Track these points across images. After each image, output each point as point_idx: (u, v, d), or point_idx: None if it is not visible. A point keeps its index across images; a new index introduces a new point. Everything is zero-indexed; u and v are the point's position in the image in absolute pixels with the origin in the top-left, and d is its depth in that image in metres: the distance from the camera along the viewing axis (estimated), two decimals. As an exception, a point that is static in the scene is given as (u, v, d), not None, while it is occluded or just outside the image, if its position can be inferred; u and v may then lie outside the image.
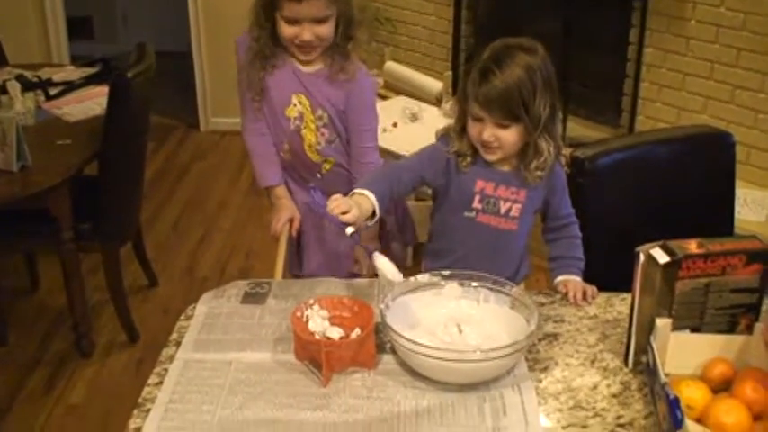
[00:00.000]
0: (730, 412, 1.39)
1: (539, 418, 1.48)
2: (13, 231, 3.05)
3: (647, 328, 1.56)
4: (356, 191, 1.81)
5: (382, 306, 1.64)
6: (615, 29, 4.03)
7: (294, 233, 2.37)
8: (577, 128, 4.17)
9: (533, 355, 1.66)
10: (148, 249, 3.66)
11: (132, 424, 1.46)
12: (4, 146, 2.78)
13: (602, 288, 1.90)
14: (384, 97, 4.62)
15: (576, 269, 1.97)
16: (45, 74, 3.66)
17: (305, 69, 2.22)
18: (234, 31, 2.32)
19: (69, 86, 3.55)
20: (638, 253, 1.57)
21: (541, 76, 1.80)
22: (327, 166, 2.31)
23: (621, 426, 1.47)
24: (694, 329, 1.60)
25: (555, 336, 1.74)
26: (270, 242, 2.42)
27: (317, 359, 1.57)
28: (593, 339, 1.73)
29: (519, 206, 1.93)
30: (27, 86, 3.39)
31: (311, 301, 1.69)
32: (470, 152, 1.91)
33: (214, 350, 1.67)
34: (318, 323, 1.65)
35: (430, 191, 2.07)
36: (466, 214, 1.95)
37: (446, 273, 1.77)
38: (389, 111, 4.01)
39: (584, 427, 1.47)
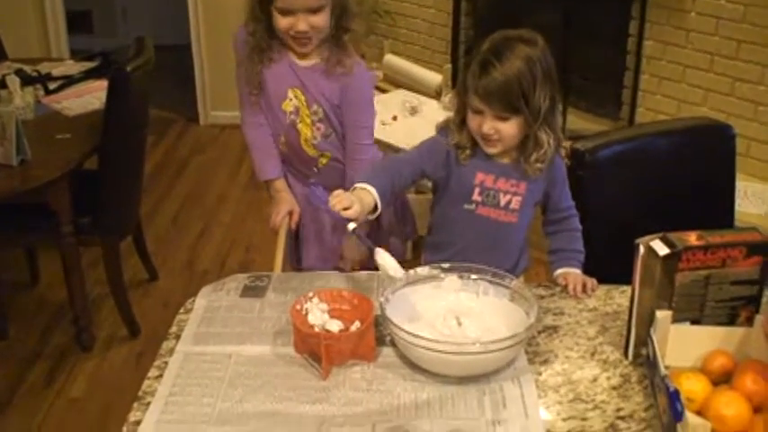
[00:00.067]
0: (730, 404, 1.39)
1: (538, 410, 1.48)
2: (12, 225, 3.05)
3: (647, 321, 1.56)
4: (357, 185, 1.81)
5: (382, 299, 1.64)
6: (615, 21, 4.03)
7: (293, 226, 2.37)
8: (577, 120, 4.17)
9: (533, 347, 1.66)
10: (148, 243, 3.66)
11: (132, 417, 1.46)
12: (3, 140, 2.78)
13: (601, 280, 1.90)
14: (383, 90, 4.61)
15: (576, 262, 1.97)
16: (44, 68, 3.65)
17: (301, 63, 2.21)
18: (233, 25, 2.31)
19: (68, 81, 3.55)
20: (638, 245, 1.57)
21: (541, 68, 1.80)
22: (324, 161, 2.31)
23: (621, 418, 1.47)
24: (694, 322, 1.59)
25: (555, 328, 1.74)
26: (270, 236, 2.41)
27: (317, 352, 1.57)
28: (593, 332, 1.73)
29: (519, 198, 1.93)
30: (26, 81, 3.39)
31: (311, 294, 1.69)
32: (470, 144, 1.91)
33: (214, 343, 1.67)
34: (318, 316, 1.65)
35: (430, 184, 2.07)
36: (466, 207, 1.94)
37: (446, 265, 1.76)
38: (389, 104, 4.01)
39: (584, 419, 1.47)
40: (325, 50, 2.19)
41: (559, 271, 1.95)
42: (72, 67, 3.74)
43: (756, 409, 1.40)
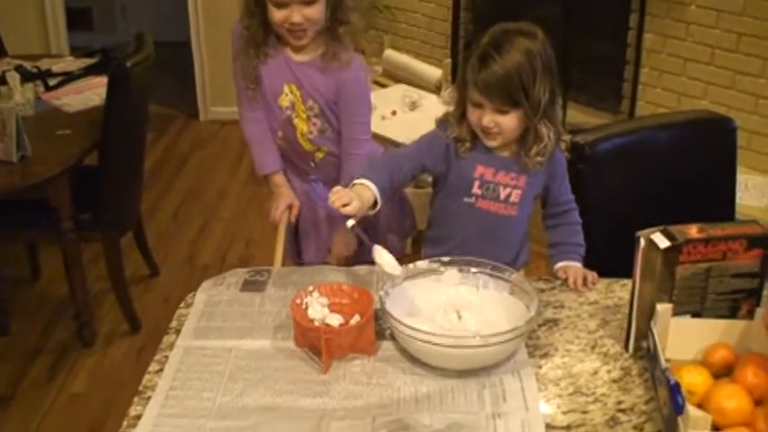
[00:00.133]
0: (731, 397, 1.39)
1: (539, 404, 1.48)
2: (13, 222, 3.05)
3: (648, 314, 1.56)
4: (356, 181, 1.81)
5: (381, 293, 1.63)
6: (615, 14, 4.02)
7: (293, 220, 2.37)
8: (578, 114, 4.16)
9: (533, 341, 1.66)
10: (149, 239, 3.66)
11: (133, 411, 1.46)
12: (3, 136, 2.78)
13: (602, 274, 1.90)
14: (383, 85, 4.61)
15: (577, 255, 1.96)
16: (44, 64, 3.65)
17: (297, 58, 2.21)
18: (232, 21, 2.31)
19: (68, 77, 3.54)
20: (639, 238, 1.56)
21: (541, 61, 1.79)
22: (320, 155, 2.31)
23: (622, 411, 1.47)
24: (695, 315, 1.59)
25: (555, 322, 1.74)
26: (270, 231, 2.42)
27: (317, 346, 1.57)
28: (594, 325, 1.73)
29: (519, 192, 1.93)
30: (26, 77, 3.39)
31: (311, 289, 1.69)
32: (470, 138, 1.91)
33: (214, 337, 1.67)
34: (318, 310, 1.65)
35: (430, 178, 2.07)
36: (465, 200, 1.94)
37: (445, 259, 1.76)
38: (388, 99, 4.01)
39: (585, 412, 1.46)
40: (321, 45, 2.18)
41: (560, 264, 1.95)
42: (72, 64, 3.74)
43: (757, 402, 1.40)
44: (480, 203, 1.94)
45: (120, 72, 2.92)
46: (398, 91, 4.21)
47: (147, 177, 3.77)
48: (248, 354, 1.61)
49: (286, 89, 2.23)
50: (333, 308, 1.67)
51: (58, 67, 3.66)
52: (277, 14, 2.11)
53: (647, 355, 1.58)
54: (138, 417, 1.45)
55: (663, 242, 1.53)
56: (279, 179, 2.37)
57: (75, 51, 4.36)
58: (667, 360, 1.43)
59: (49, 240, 3.13)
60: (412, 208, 2.42)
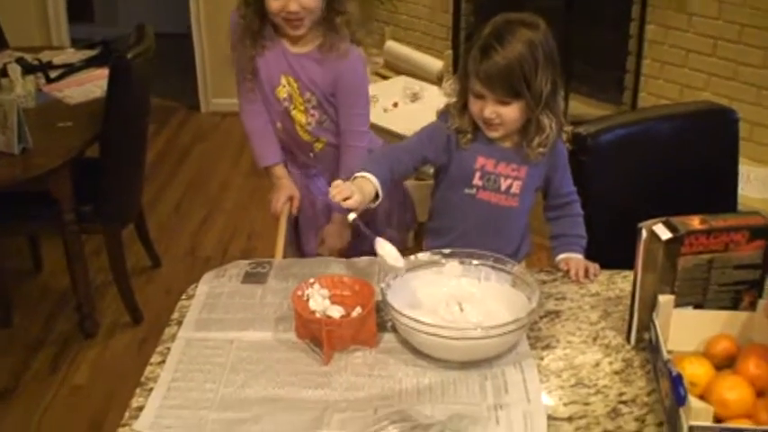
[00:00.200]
0: (733, 389, 1.38)
1: (540, 395, 1.48)
2: (15, 214, 3.05)
3: (650, 305, 1.56)
4: (357, 174, 1.81)
5: (383, 285, 1.63)
6: (617, 5, 4.01)
7: (294, 212, 2.37)
8: (580, 106, 4.16)
9: (535, 332, 1.66)
10: (151, 231, 3.66)
11: (135, 403, 1.47)
12: (5, 128, 2.77)
13: (604, 265, 1.90)
14: (384, 77, 4.60)
15: (578, 247, 1.96)
16: (45, 57, 3.64)
17: (294, 50, 2.20)
18: (233, 13, 2.31)
19: (70, 69, 3.54)
20: (641, 229, 1.56)
21: (543, 52, 1.79)
22: (319, 146, 2.30)
23: (624, 403, 1.47)
24: (697, 306, 1.59)
25: (557, 313, 1.74)
26: (271, 223, 2.42)
27: (319, 338, 1.57)
28: (596, 317, 1.73)
29: (520, 183, 1.93)
30: (27, 69, 3.38)
31: (312, 281, 1.69)
32: (471, 129, 1.90)
33: (216, 329, 1.67)
34: (319, 302, 1.65)
35: (431, 170, 2.06)
36: (466, 191, 1.94)
37: (447, 251, 1.76)
38: (390, 90, 4.00)
39: (587, 404, 1.46)
40: (318, 36, 2.18)
41: (561, 256, 1.95)
42: (73, 56, 3.73)
43: (759, 394, 1.39)
44: (481, 195, 1.94)
45: (121, 64, 2.92)
46: (400, 83, 4.20)
47: (149, 169, 3.77)
48: (250, 345, 1.61)
49: (283, 81, 2.22)
50: (334, 300, 1.67)
51: (59, 59, 3.66)
52: (274, 3, 2.10)
53: (648, 346, 1.57)
54: (141, 408, 1.45)
55: (665, 233, 1.53)
56: (279, 171, 2.37)
57: (77, 43, 4.35)
58: (669, 351, 1.43)
59: (51, 232, 3.13)
60: (412, 201, 2.41)
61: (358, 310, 1.62)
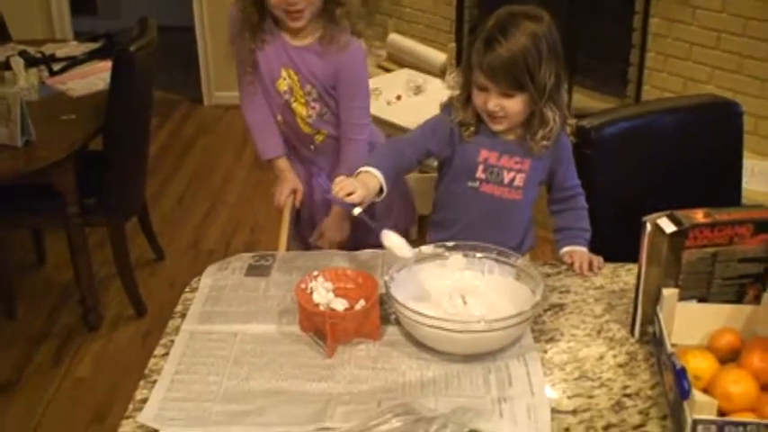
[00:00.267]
0: (737, 382, 1.38)
1: (544, 388, 1.48)
2: (18, 207, 3.05)
3: (654, 299, 1.56)
4: (361, 169, 1.81)
5: (386, 278, 1.63)
6: (621, -2, 4.00)
7: (297, 204, 2.37)
8: (583, 99, 4.15)
9: (539, 326, 1.66)
10: (154, 223, 3.67)
11: (139, 395, 1.47)
12: (8, 121, 2.77)
13: (608, 259, 1.89)
14: (388, 70, 4.60)
15: (582, 240, 1.96)
16: (48, 49, 3.64)
17: (294, 43, 2.20)
18: (236, 6, 2.30)
19: (73, 62, 3.54)
20: (645, 223, 1.56)
21: (547, 45, 1.78)
22: (320, 138, 2.30)
23: (628, 396, 1.47)
24: (701, 299, 1.59)
25: (561, 306, 1.73)
26: (275, 216, 2.42)
27: (322, 330, 1.57)
28: (600, 310, 1.73)
29: (523, 176, 1.92)
30: (30, 62, 3.38)
31: (315, 273, 1.69)
32: (474, 121, 1.90)
33: (219, 322, 1.67)
34: (323, 295, 1.65)
35: (435, 163, 2.06)
36: (469, 184, 1.94)
37: (450, 244, 1.76)
38: (393, 83, 3.99)
39: (591, 397, 1.46)
40: (318, 28, 2.17)
41: (565, 249, 1.95)
42: (76, 49, 3.74)
43: (764, 387, 1.39)
44: (484, 188, 1.94)
45: (124, 57, 2.91)
46: (403, 75, 4.20)
47: (152, 162, 3.77)
48: (253, 338, 1.61)
49: (284, 74, 2.22)
50: (338, 292, 1.67)
51: (61, 51, 3.66)
52: None
53: (652, 340, 1.57)
54: (144, 400, 1.45)
55: (669, 227, 1.52)
56: (282, 164, 2.37)
57: (79, 36, 4.35)
58: (673, 345, 1.43)
59: (55, 225, 3.13)
60: (412, 195, 2.40)
61: (361, 302, 1.62)
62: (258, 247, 3.67)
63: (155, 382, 1.50)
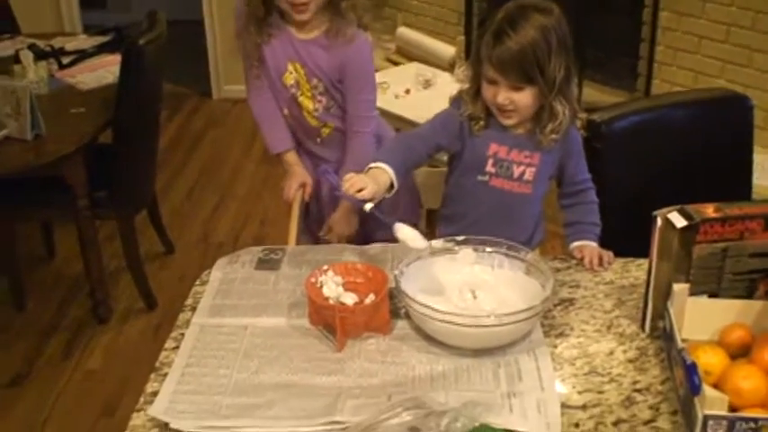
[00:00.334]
0: (748, 378, 1.38)
1: (554, 383, 1.48)
2: (28, 200, 3.07)
3: (664, 294, 1.55)
4: (371, 165, 1.81)
5: (396, 272, 1.63)
6: (630, -9, 3.99)
7: (307, 198, 2.37)
8: (593, 93, 4.14)
9: (549, 320, 1.66)
10: (164, 217, 3.67)
11: (149, 388, 1.47)
12: (17, 114, 2.78)
13: (618, 253, 1.89)
14: (396, 63, 4.59)
15: (593, 235, 1.95)
16: (57, 43, 3.65)
17: (300, 36, 2.19)
18: None
19: (82, 55, 3.55)
20: (656, 217, 1.55)
21: (556, 37, 1.78)
22: (327, 131, 2.30)
23: (638, 391, 1.47)
24: (712, 295, 1.58)
25: (571, 301, 1.73)
26: (284, 209, 2.42)
27: (332, 324, 1.57)
28: (610, 305, 1.72)
29: (533, 170, 1.92)
30: (40, 55, 3.39)
31: (325, 267, 1.69)
32: (484, 115, 1.90)
33: (229, 315, 1.67)
34: (332, 289, 1.65)
35: (445, 157, 2.06)
36: (479, 178, 1.94)
37: (460, 238, 1.76)
38: (402, 77, 3.98)
39: (600, 392, 1.46)
40: (324, 22, 2.17)
41: (575, 244, 1.94)
42: (85, 42, 3.74)
43: (774, 382, 1.39)
44: (494, 182, 1.94)
45: (133, 50, 2.92)
46: (412, 69, 4.19)
47: (162, 156, 3.77)
48: (264, 331, 1.62)
49: (290, 67, 2.22)
50: (347, 286, 1.67)
51: (71, 45, 3.66)
52: None
53: (663, 335, 1.57)
54: (155, 393, 1.45)
55: (680, 221, 1.52)
56: (291, 158, 2.37)
57: (89, 30, 4.36)
58: (683, 340, 1.43)
59: (65, 218, 3.14)
60: (419, 197, 2.39)
61: (371, 297, 1.62)
62: (267, 240, 3.67)
63: (165, 375, 1.50)
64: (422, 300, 1.55)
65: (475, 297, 1.66)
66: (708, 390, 1.30)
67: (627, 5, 4.03)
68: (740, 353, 1.48)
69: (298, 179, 2.36)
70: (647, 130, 2.24)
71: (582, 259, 1.87)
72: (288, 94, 2.25)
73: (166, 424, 1.38)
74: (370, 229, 2.26)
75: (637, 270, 1.83)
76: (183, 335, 1.62)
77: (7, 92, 2.78)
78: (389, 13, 5.12)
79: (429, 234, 2.02)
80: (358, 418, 1.35)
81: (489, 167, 1.92)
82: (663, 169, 2.23)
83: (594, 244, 1.93)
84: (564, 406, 1.42)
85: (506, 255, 1.73)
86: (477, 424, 1.31)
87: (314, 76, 2.20)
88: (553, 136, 1.88)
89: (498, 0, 1.93)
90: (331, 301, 1.62)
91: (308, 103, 2.25)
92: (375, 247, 1.91)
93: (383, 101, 3.51)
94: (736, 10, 3.55)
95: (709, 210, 1.53)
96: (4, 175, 2.81)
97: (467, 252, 1.75)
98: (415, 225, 1.74)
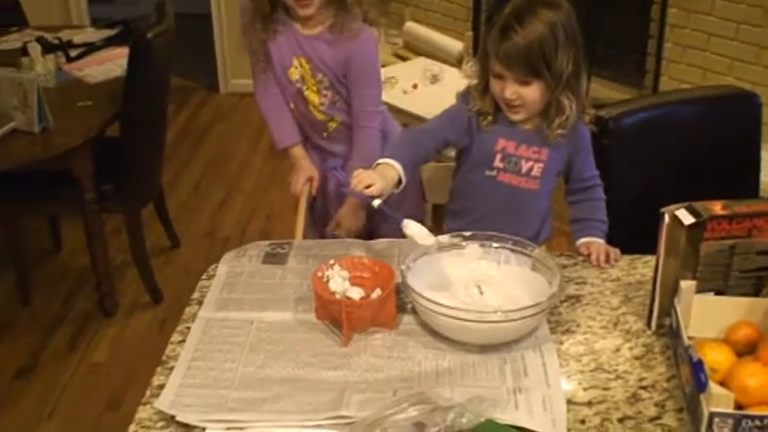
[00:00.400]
0: (754, 375, 1.38)
1: (560, 380, 1.47)
2: (35, 193, 3.07)
3: (671, 291, 1.55)
4: (380, 161, 1.81)
5: (403, 267, 1.63)
6: (639, -12, 3.98)
7: (314, 193, 2.37)
8: (601, 89, 4.13)
9: (555, 317, 1.66)
10: (170, 210, 3.68)
11: (156, 381, 1.48)
12: (25, 107, 2.79)
13: (624, 250, 1.88)
14: (404, 58, 4.58)
15: (600, 231, 1.95)
16: (65, 36, 3.65)
17: (305, 32, 2.19)
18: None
19: (90, 48, 3.55)
20: (663, 214, 1.55)
21: (564, 32, 1.77)
22: (333, 125, 2.31)
23: (644, 388, 1.46)
24: (719, 292, 1.58)
25: (577, 298, 1.73)
26: (290, 204, 2.42)
27: (338, 319, 1.58)
28: (616, 302, 1.72)
29: (541, 165, 1.92)
30: (47, 48, 3.40)
31: (332, 262, 1.69)
32: (492, 110, 1.89)
33: (236, 309, 1.67)
34: (339, 283, 1.65)
35: (453, 152, 2.06)
36: (487, 173, 1.93)
37: (467, 234, 1.75)
38: (409, 72, 3.98)
39: (606, 389, 1.46)
40: (329, 16, 2.17)
41: (582, 240, 1.94)
42: (93, 35, 3.74)
43: (781, 380, 1.39)
44: (502, 177, 1.93)
45: (141, 43, 2.92)
46: (419, 64, 4.18)
47: (169, 149, 3.78)
48: (270, 326, 1.62)
49: (295, 62, 2.22)
50: (354, 281, 1.67)
51: (79, 38, 3.67)
52: None
53: (669, 332, 1.57)
54: (161, 386, 1.46)
55: (687, 218, 1.51)
56: (298, 152, 2.37)
57: (97, 23, 4.36)
58: (690, 337, 1.42)
59: (72, 212, 3.14)
60: (423, 194, 2.39)
61: (378, 291, 1.62)
62: (273, 235, 3.68)
63: (171, 368, 1.50)
64: (428, 295, 1.55)
65: (481, 293, 1.66)
66: (714, 387, 1.30)
67: (636, 2, 4.02)
68: (747, 350, 1.48)
69: (305, 173, 2.36)
70: (655, 126, 2.24)
71: (589, 256, 1.87)
72: (293, 88, 2.25)
73: (172, 417, 1.38)
74: (375, 222, 2.27)
75: (643, 267, 1.83)
76: (189, 328, 1.62)
77: (15, 84, 2.79)
78: (397, 8, 5.11)
79: (435, 229, 2.02)
80: (364, 413, 1.35)
81: (497, 163, 1.92)
82: (670, 166, 2.22)
83: (601, 241, 1.93)
84: (570, 402, 1.42)
85: (513, 250, 1.73)
86: (482, 420, 1.31)
87: (319, 71, 2.20)
88: (560, 131, 1.87)
89: (506, -5, 1.92)
90: (337, 296, 1.62)
91: (313, 98, 2.25)
92: (382, 243, 1.91)
93: (390, 96, 3.52)
94: (745, 7, 3.54)
95: (717, 207, 1.53)
96: (11, 168, 2.82)
97: (473, 247, 1.75)
98: (420, 220, 1.74)
